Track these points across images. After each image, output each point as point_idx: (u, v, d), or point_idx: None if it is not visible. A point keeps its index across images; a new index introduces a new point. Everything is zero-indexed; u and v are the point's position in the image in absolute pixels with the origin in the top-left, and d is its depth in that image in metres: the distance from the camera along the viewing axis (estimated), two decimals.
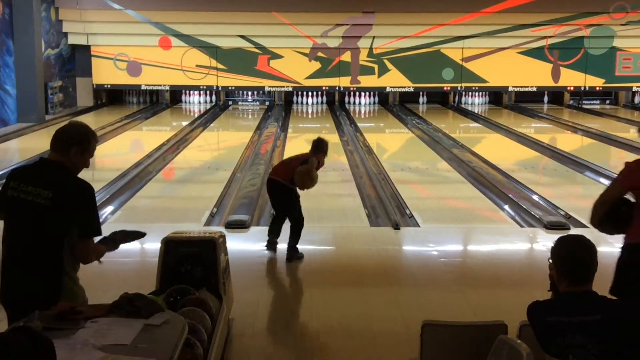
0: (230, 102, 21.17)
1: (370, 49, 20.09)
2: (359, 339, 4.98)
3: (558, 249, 3.02)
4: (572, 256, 2.95)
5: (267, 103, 21.02)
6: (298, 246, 6.75)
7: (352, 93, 20.91)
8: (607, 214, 3.88)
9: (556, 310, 2.88)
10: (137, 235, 3.79)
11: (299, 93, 20.77)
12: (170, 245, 4.55)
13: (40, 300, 3.17)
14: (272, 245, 6.87)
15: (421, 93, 21.25)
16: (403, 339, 4.88)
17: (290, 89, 20.42)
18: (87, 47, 19.74)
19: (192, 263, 4.41)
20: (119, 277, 6.20)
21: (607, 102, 21.70)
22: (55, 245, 3.33)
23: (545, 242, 7.18)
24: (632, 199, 3.91)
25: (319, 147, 6.85)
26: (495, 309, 5.39)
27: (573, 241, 3.05)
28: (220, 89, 20.38)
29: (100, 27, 19.41)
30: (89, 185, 3.43)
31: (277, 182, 6.76)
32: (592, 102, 21.51)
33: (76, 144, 3.42)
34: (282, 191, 6.75)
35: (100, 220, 8.38)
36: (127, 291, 3.39)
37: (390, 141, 16.14)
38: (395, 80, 20.40)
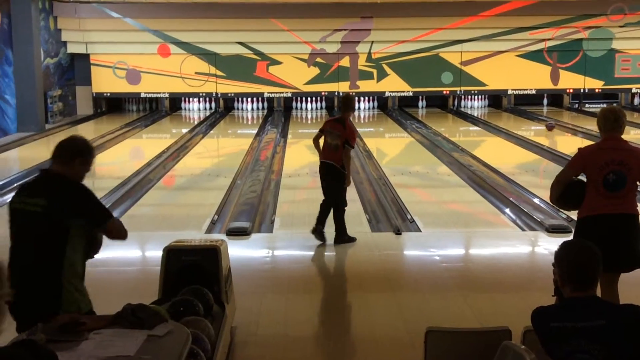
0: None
1: (369, 53, 20.11)
2: (362, 344, 4.98)
3: (561, 254, 3.01)
4: (576, 261, 2.94)
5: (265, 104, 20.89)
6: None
7: None
8: (565, 194, 4.68)
9: (560, 316, 2.87)
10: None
11: (298, 99, 20.77)
12: (172, 254, 4.55)
13: (41, 309, 3.28)
14: (318, 234, 7.28)
15: (420, 97, 21.24)
16: (405, 344, 4.87)
17: (290, 94, 20.43)
18: (86, 56, 19.76)
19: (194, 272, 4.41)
20: (120, 286, 6.20)
21: (614, 105, 21.52)
22: (53, 253, 3.44)
23: (547, 245, 7.17)
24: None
25: (349, 105, 7.32)
26: (497, 314, 5.39)
27: (576, 246, 3.04)
28: (219, 95, 20.39)
29: (99, 36, 19.44)
30: (80, 184, 3.60)
31: (331, 165, 7.20)
32: (597, 104, 21.37)
33: (80, 155, 3.63)
34: (334, 174, 7.23)
35: None
36: (129, 300, 3.39)
37: (390, 146, 16.14)
38: (394, 85, 20.41)
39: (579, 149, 4.78)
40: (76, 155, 3.60)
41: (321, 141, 7.45)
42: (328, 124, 7.41)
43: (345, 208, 7.32)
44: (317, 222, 7.32)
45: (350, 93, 19.06)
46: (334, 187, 7.26)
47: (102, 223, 3.59)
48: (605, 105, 20.76)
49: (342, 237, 7.28)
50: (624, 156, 4.58)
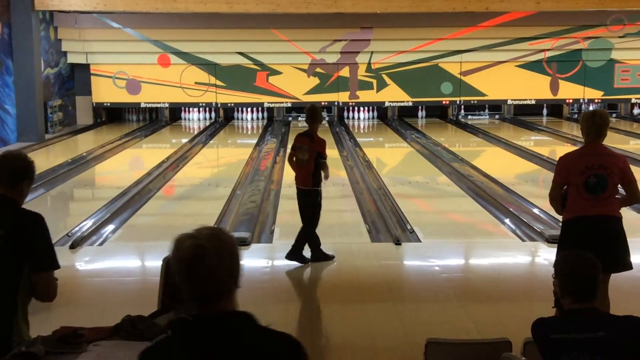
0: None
1: (369, 64, 20.15)
2: (362, 355, 4.97)
3: (562, 266, 3.01)
4: (576, 273, 2.94)
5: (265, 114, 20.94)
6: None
7: (351, 108, 20.95)
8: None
9: (560, 327, 2.86)
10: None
11: (298, 109, 20.80)
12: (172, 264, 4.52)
13: None
14: (322, 256, 7.03)
15: (420, 107, 21.27)
16: (405, 355, 4.86)
17: (289, 104, 20.46)
18: (86, 66, 19.79)
19: None
20: (119, 296, 6.19)
21: (614, 115, 21.51)
22: (8, 289, 3.15)
23: (547, 256, 7.16)
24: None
25: (315, 116, 7.06)
26: (497, 325, 5.38)
27: (577, 258, 3.04)
28: (219, 105, 20.42)
29: (99, 46, 19.47)
30: (40, 216, 3.29)
31: (301, 190, 7.01)
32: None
33: (28, 177, 3.36)
34: (307, 198, 7.00)
35: (101, 239, 8.40)
36: (128, 311, 3.38)
37: (389, 156, 16.15)
38: (393, 95, 20.44)
39: (560, 157, 4.97)
40: (24, 177, 3.32)
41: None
42: (297, 140, 7.18)
43: (314, 229, 7.01)
44: (312, 250, 7.04)
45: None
46: (307, 211, 7.01)
47: (44, 270, 3.20)
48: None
49: (295, 254, 6.97)
50: (605, 160, 4.74)
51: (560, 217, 5.17)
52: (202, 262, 2.07)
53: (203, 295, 2.09)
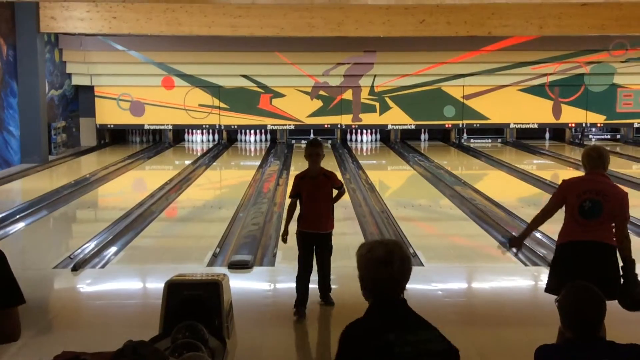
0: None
1: (372, 87, 20.24)
2: None
3: (565, 303, 2.94)
4: (579, 313, 2.88)
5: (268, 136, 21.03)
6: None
7: (353, 131, 21.01)
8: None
9: (564, 355, 2.84)
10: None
11: (301, 131, 20.87)
12: (174, 288, 4.53)
13: None
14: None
15: (423, 130, 21.34)
16: None
17: (292, 127, 20.52)
18: (90, 88, 19.89)
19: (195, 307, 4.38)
20: (121, 319, 6.17)
21: (618, 136, 21.62)
22: None
23: None
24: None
25: (309, 151, 6.82)
26: (500, 350, 5.35)
27: (580, 296, 2.97)
28: (222, 127, 20.49)
29: (103, 68, 19.59)
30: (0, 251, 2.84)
31: None
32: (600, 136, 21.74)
33: None
34: None
35: (103, 261, 8.38)
36: (129, 334, 3.37)
37: (392, 178, 16.16)
38: (396, 118, 20.51)
39: (563, 180, 5.06)
40: None
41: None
42: None
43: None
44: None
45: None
46: None
47: (13, 304, 2.74)
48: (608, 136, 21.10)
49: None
50: (603, 188, 4.75)
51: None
52: (391, 264, 2.66)
53: (380, 289, 2.69)
